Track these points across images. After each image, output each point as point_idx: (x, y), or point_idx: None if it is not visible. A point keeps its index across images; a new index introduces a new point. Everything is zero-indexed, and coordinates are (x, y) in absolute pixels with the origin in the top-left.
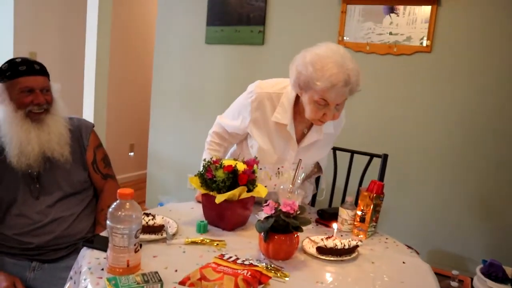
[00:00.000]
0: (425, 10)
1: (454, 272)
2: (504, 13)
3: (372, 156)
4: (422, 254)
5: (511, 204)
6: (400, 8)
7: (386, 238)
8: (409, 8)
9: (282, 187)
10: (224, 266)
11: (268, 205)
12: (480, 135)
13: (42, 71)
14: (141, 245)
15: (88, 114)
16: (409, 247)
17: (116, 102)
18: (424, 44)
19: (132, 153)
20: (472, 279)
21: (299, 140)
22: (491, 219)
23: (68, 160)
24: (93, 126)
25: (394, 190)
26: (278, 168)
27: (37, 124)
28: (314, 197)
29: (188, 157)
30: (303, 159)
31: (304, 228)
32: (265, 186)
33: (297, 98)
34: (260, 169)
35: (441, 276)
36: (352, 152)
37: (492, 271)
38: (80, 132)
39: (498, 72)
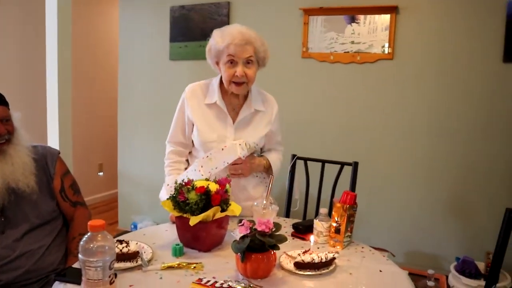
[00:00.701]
0: (385, 18)
1: (430, 271)
2: (458, 17)
3: (342, 164)
4: (398, 256)
5: (480, 203)
6: (361, 17)
7: (362, 247)
8: (369, 17)
9: (255, 204)
10: None
11: (243, 225)
12: (448, 137)
13: (1, 100)
14: (116, 275)
15: (53, 137)
16: (385, 250)
17: (82, 122)
18: (386, 52)
19: (101, 173)
20: (447, 277)
21: (234, 118)
22: (462, 217)
23: (34, 190)
24: (59, 153)
25: (367, 196)
26: (222, 149)
27: None
28: (288, 208)
29: (159, 174)
30: (243, 136)
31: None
32: (216, 168)
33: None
34: (207, 156)
35: (418, 276)
36: (323, 162)
37: (466, 268)
38: (46, 160)
39: (459, 74)
